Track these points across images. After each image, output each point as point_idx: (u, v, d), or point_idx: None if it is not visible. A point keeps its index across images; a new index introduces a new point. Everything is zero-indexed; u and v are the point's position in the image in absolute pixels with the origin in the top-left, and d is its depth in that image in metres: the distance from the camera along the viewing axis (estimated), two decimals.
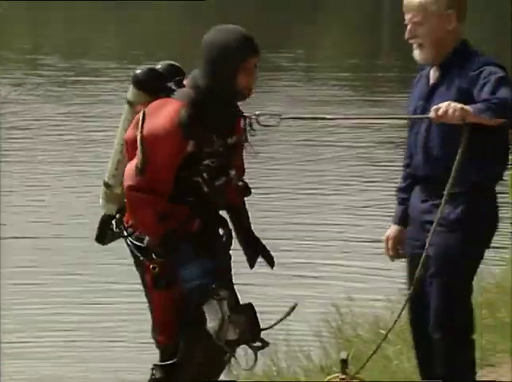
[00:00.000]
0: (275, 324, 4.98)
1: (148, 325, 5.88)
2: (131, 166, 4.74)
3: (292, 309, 5.03)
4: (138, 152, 4.70)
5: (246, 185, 4.97)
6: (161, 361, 5.02)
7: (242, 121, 4.91)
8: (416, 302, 5.24)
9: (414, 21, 5.11)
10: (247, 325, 4.76)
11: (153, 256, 4.80)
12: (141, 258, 4.87)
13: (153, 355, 6.25)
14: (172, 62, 5.06)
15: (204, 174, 4.77)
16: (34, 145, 19.96)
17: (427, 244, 5.03)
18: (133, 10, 43.62)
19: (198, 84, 4.82)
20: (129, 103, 4.94)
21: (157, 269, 4.83)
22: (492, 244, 10.90)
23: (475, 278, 8.10)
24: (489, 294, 8.23)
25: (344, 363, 5.16)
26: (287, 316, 5.03)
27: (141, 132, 4.68)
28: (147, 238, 4.78)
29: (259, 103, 14.26)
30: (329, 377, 5.36)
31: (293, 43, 36.46)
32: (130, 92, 4.93)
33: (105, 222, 5.07)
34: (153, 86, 4.87)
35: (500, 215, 9.57)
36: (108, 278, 12.40)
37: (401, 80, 26.03)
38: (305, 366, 7.16)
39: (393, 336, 6.81)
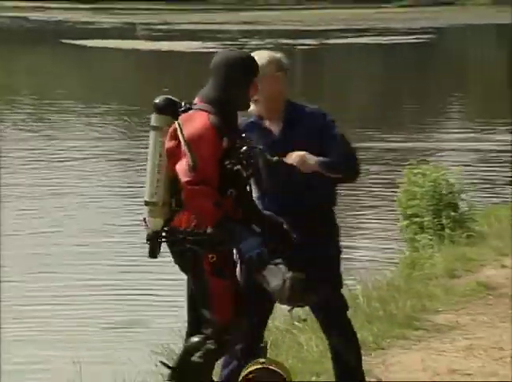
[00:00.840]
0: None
1: None
2: (181, 167, 5.06)
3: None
4: (187, 153, 5.02)
5: None
6: (215, 336, 5.18)
7: None
8: None
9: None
10: (302, 287, 5.06)
11: (212, 247, 5.12)
12: (201, 250, 5.14)
13: None
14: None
15: (243, 161, 5.10)
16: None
17: None
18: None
19: (217, 97, 5.19)
20: (155, 128, 5.28)
21: (214, 258, 5.12)
22: (384, 249, 12.11)
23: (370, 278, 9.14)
24: (381, 290, 8.61)
25: (265, 349, 5.43)
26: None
27: (184, 138, 5.06)
28: (209, 228, 5.10)
29: None
30: (252, 363, 5.38)
31: None
32: (154, 119, 5.29)
33: (153, 238, 5.29)
34: (171, 109, 5.24)
35: (389, 225, 10.40)
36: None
37: None
38: None
39: (304, 326, 7.28)
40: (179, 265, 5.33)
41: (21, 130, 24.82)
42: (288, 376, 5.31)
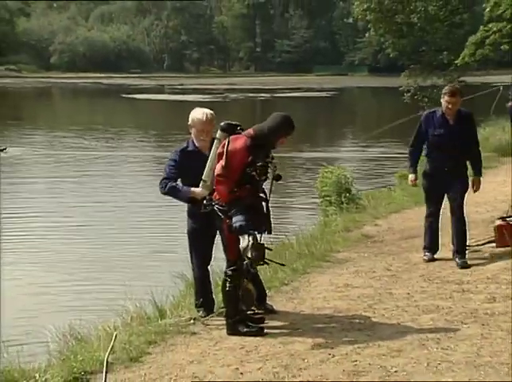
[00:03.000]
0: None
1: None
2: (219, 165, 4.96)
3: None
4: (224, 158, 4.92)
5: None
6: (229, 268, 5.11)
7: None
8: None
9: None
10: (259, 252, 4.84)
11: (228, 214, 4.97)
12: (222, 216, 5.02)
13: None
14: (233, 121, 5.24)
15: (257, 170, 4.95)
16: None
17: None
18: None
19: (259, 132, 5.02)
20: (218, 139, 5.14)
21: (229, 222, 4.96)
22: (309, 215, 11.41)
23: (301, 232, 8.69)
24: (306, 239, 8.42)
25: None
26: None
27: (227, 149, 4.94)
28: (225, 203, 4.99)
29: None
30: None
31: None
32: (218, 134, 5.16)
33: (202, 200, 5.18)
34: (229, 130, 5.12)
35: (312, 202, 9.96)
36: None
37: None
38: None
39: None
40: (217, 224, 5.25)
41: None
42: None
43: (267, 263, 5.07)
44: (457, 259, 6.90)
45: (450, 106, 6.73)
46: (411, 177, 7.31)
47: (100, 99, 52.34)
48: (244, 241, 4.82)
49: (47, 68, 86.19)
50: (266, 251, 4.92)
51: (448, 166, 6.83)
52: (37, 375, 4.61)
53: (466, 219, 7.02)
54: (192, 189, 5.34)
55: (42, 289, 8.65)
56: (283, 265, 6.17)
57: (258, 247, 4.83)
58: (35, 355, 5.63)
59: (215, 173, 5.01)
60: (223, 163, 4.93)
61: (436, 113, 6.92)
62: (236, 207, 4.93)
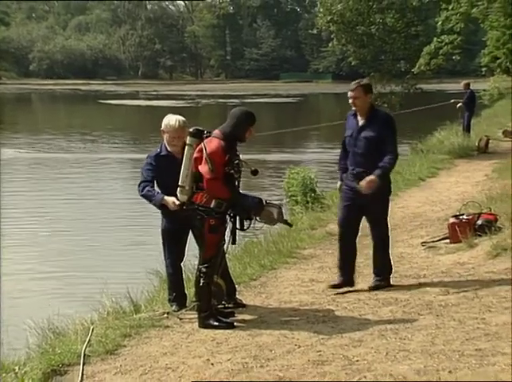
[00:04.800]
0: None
1: None
2: (204, 169, 4.94)
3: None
4: (208, 161, 4.90)
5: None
6: (203, 265, 5.06)
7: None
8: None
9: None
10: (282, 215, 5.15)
11: (213, 214, 4.97)
12: (205, 216, 4.98)
13: None
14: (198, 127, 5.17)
15: (235, 168, 4.97)
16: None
17: None
18: None
19: (227, 131, 5.02)
20: (190, 145, 5.04)
21: (213, 222, 4.97)
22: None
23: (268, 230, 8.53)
24: (274, 237, 8.29)
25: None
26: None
27: (207, 152, 4.92)
28: (213, 203, 4.96)
29: None
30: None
31: None
32: (189, 140, 5.07)
33: (181, 205, 5.11)
34: (199, 135, 5.05)
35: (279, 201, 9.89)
36: None
37: None
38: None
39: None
40: (193, 225, 5.20)
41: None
42: None
43: (290, 225, 5.75)
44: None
45: (350, 101, 5.70)
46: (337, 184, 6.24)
47: (78, 104, 51.78)
48: (274, 210, 5.09)
49: (26, 75, 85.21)
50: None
51: (355, 171, 5.77)
52: (17, 368, 4.56)
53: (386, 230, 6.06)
54: (166, 197, 5.27)
55: (20, 283, 8.57)
56: (291, 226, 6.04)
57: (282, 212, 5.16)
58: (14, 349, 5.57)
59: (206, 178, 4.96)
60: (210, 166, 4.92)
61: (356, 114, 5.86)
62: (232, 198, 4.98)
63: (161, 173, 5.39)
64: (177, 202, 5.16)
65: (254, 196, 5.11)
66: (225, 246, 5.15)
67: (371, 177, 5.52)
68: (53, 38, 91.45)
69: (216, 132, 5.07)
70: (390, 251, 6.11)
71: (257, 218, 5.10)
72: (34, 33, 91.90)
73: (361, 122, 5.74)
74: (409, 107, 20.55)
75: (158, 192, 5.39)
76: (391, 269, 6.10)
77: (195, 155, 5.02)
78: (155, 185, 5.47)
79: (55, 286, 8.55)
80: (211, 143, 4.99)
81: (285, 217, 5.32)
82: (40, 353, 4.95)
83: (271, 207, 5.12)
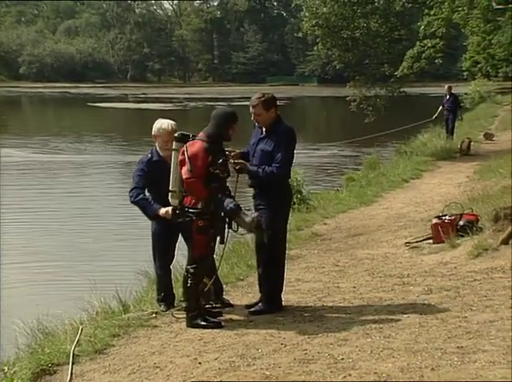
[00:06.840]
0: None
1: None
2: (184, 170, 4.93)
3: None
4: (187, 163, 4.90)
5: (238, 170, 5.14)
6: (191, 266, 5.04)
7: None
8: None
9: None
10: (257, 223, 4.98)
11: (202, 216, 4.94)
12: (194, 218, 4.95)
13: None
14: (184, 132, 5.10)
15: (220, 167, 4.92)
16: None
17: None
18: None
19: (211, 131, 5.02)
20: (175, 150, 5.00)
21: (201, 223, 4.94)
22: None
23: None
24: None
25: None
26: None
27: (188, 155, 4.90)
28: (200, 204, 4.94)
29: None
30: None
31: None
32: (175, 145, 5.01)
33: (174, 209, 5.04)
34: (183, 139, 4.99)
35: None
36: None
37: None
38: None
39: None
40: (183, 226, 5.11)
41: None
42: None
43: (262, 238, 5.23)
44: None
45: (252, 117, 5.33)
46: None
47: (67, 107, 51.55)
48: (247, 217, 4.94)
49: (16, 78, 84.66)
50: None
51: (251, 184, 5.40)
52: (6, 368, 4.56)
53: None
54: (160, 211, 5.21)
55: (9, 284, 8.50)
56: (263, 239, 5.60)
57: (258, 220, 5.01)
58: (4, 350, 5.55)
59: (184, 178, 4.93)
60: (188, 167, 4.89)
61: None
62: (215, 199, 4.92)
63: (153, 179, 5.31)
64: (170, 211, 5.11)
65: (233, 201, 4.99)
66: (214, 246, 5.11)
67: (244, 162, 5.29)
68: (43, 42, 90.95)
69: (201, 135, 5.06)
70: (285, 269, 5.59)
71: (233, 222, 5.01)
72: (24, 36, 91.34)
73: (262, 134, 5.37)
74: (394, 110, 20.67)
75: (151, 202, 5.31)
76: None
77: (179, 158, 4.99)
78: (146, 191, 5.39)
79: (44, 286, 8.48)
80: (194, 145, 4.99)
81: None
82: (29, 353, 4.92)
83: (247, 216, 4.99)
